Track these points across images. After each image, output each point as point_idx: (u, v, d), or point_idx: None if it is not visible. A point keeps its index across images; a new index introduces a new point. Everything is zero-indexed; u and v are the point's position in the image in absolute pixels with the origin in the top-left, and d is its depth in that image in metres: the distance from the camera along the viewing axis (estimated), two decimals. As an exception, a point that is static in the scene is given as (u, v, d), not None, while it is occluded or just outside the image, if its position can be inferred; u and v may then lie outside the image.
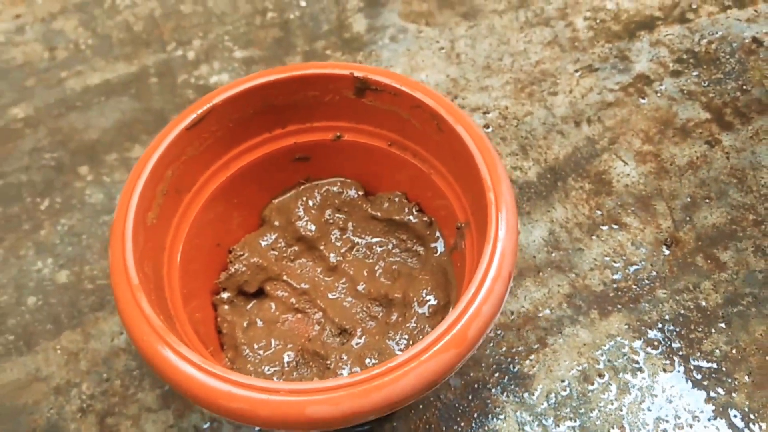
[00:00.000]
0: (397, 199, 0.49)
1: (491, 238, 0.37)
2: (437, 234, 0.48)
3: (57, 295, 0.55)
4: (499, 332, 0.51)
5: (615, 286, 0.53)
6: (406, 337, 0.44)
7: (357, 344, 0.44)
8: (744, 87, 0.62)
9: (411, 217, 0.48)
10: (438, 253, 0.47)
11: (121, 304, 0.36)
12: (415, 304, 0.45)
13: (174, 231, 0.43)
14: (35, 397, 0.51)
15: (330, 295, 0.47)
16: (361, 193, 0.49)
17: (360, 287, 0.47)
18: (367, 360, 0.43)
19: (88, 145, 0.62)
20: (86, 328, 0.53)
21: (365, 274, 0.47)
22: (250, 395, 0.33)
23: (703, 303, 0.52)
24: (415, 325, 0.44)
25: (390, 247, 0.49)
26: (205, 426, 0.49)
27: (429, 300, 0.45)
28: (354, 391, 0.33)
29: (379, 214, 0.49)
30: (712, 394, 0.48)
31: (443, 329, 0.34)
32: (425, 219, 0.48)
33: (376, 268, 0.48)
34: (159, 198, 0.41)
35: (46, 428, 0.50)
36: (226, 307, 0.46)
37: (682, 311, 0.52)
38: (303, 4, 0.70)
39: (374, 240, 0.49)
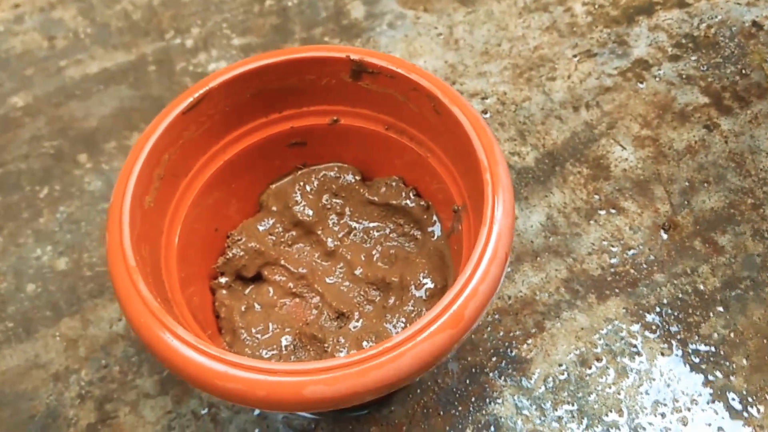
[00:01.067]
0: (394, 184, 0.49)
1: (488, 219, 0.37)
2: (434, 218, 0.48)
3: (56, 282, 0.55)
4: (496, 317, 0.51)
5: (613, 270, 0.53)
6: (404, 320, 0.44)
7: (354, 327, 0.44)
8: (743, 71, 0.61)
9: (408, 202, 0.48)
10: (435, 237, 0.47)
11: (118, 286, 0.36)
12: (412, 287, 0.45)
13: (171, 215, 0.43)
14: (35, 384, 0.51)
15: (327, 280, 0.47)
16: (358, 177, 0.49)
17: (357, 271, 0.47)
18: (365, 343, 0.43)
19: (87, 133, 0.62)
20: (85, 314, 0.54)
21: (362, 258, 0.47)
22: (247, 376, 0.33)
23: (701, 287, 0.52)
24: (412, 308, 0.44)
25: (387, 231, 0.49)
26: (203, 411, 0.49)
27: (426, 283, 0.45)
28: (351, 371, 0.33)
29: (376, 198, 0.49)
30: (710, 378, 0.48)
31: (439, 310, 0.34)
32: (422, 203, 0.48)
33: (373, 253, 0.48)
34: (156, 182, 0.41)
35: (46, 414, 0.50)
36: (224, 291, 0.47)
37: (680, 295, 0.52)
38: (301, -9, 0.70)
39: (371, 224, 0.49)
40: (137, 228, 0.38)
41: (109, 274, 0.37)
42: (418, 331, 0.34)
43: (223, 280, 0.47)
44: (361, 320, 0.45)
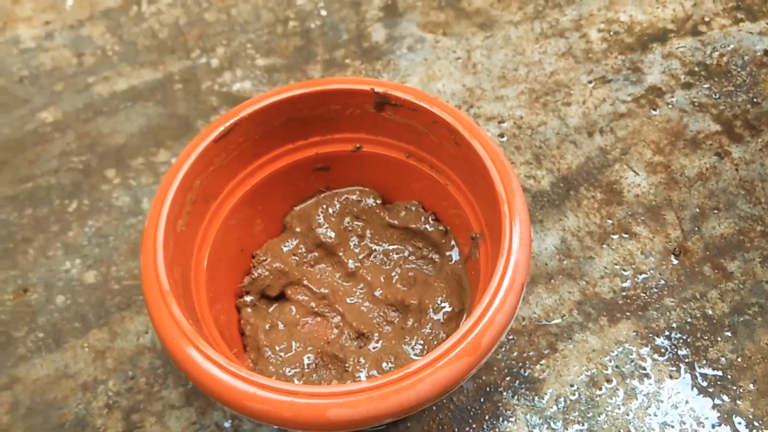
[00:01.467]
0: (413, 208, 0.50)
1: (505, 250, 0.38)
2: (452, 243, 0.49)
3: (85, 295, 0.57)
4: (511, 338, 0.53)
5: (624, 293, 0.54)
6: (422, 342, 0.45)
7: (374, 348, 0.46)
8: (755, 99, 0.63)
9: (427, 226, 0.50)
10: (453, 261, 0.49)
11: (152, 309, 0.38)
12: (431, 310, 0.46)
13: (201, 237, 0.45)
14: (64, 393, 0.53)
15: (348, 300, 0.49)
16: (379, 201, 0.51)
17: (377, 293, 0.49)
18: (384, 364, 0.45)
19: (115, 149, 0.64)
20: (113, 326, 0.56)
21: (382, 280, 0.49)
22: (273, 397, 0.35)
23: (710, 312, 0.53)
24: (430, 330, 0.46)
25: (406, 254, 0.50)
26: (226, 424, 0.51)
27: (444, 307, 0.47)
28: (372, 395, 0.35)
29: (396, 222, 0.50)
30: (717, 401, 0.50)
31: (458, 337, 0.36)
32: (441, 228, 0.50)
33: (392, 275, 0.50)
34: (188, 206, 0.43)
35: (74, 423, 0.52)
36: (249, 310, 0.48)
37: (689, 319, 0.53)
38: (324, 13, 0.72)
39: (391, 247, 0.51)
40: (170, 252, 0.40)
41: (143, 296, 0.39)
42: (437, 357, 0.35)
43: (248, 298, 0.49)
44: (380, 341, 0.47)
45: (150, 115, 0.66)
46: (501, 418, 0.50)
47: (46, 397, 0.53)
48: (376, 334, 0.47)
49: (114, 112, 0.66)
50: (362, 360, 0.45)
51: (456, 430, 0.50)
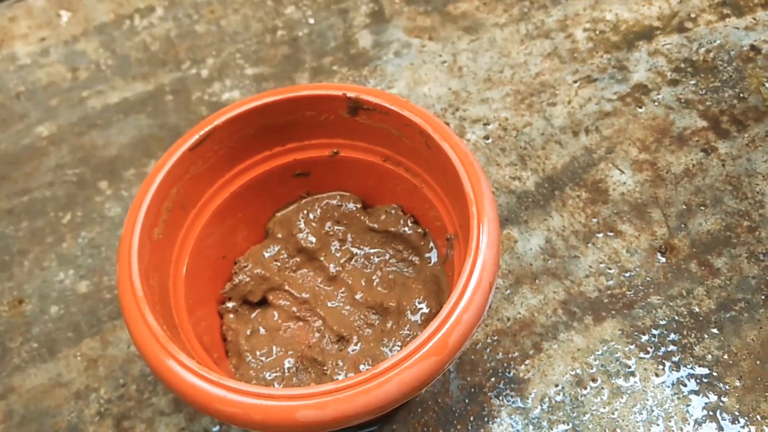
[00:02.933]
0: (393, 212, 0.51)
1: (473, 250, 0.39)
2: (431, 245, 0.50)
3: (77, 305, 0.58)
4: (495, 338, 0.53)
5: (609, 292, 0.54)
6: (399, 343, 0.46)
7: (353, 351, 0.47)
8: (741, 95, 0.63)
9: (406, 229, 0.50)
10: (432, 263, 0.49)
11: (127, 315, 0.39)
12: (408, 312, 0.47)
13: (180, 245, 0.46)
14: (57, 401, 0.54)
15: (329, 304, 0.49)
16: (359, 205, 0.52)
17: (358, 296, 0.49)
18: (362, 366, 0.45)
19: (108, 161, 0.65)
20: (105, 335, 0.56)
21: (363, 283, 0.50)
22: (243, 400, 0.36)
23: (696, 309, 0.53)
24: (408, 332, 0.46)
25: (387, 257, 0.51)
26: (215, 429, 0.52)
27: (422, 308, 0.47)
28: (339, 396, 0.35)
29: (376, 225, 0.51)
30: (703, 398, 0.50)
31: (425, 337, 0.36)
32: (419, 230, 0.50)
33: (373, 278, 0.50)
34: (164, 214, 0.44)
35: (67, 430, 0.53)
36: (230, 315, 0.49)
37: (675, 317, 0.53)
38: (311, 21, 0.72)
39: (372, 251, 0.51)
40: (146, 259, 0.41)
41: (119, 302, 0.40)
42: (404, 358, 0.36)
43: (230, 305, 0.49)
44: (360, 344, 0.47)
45: (142, 127, 0.67)
46: (486, 419, 0.50)
47: (40, 405, 0.54)
48: (356, 337, 0.47)
49: (107, 125, 0.68)
50: (341, 363, 0.45)
51: (441, 431, 0.50)
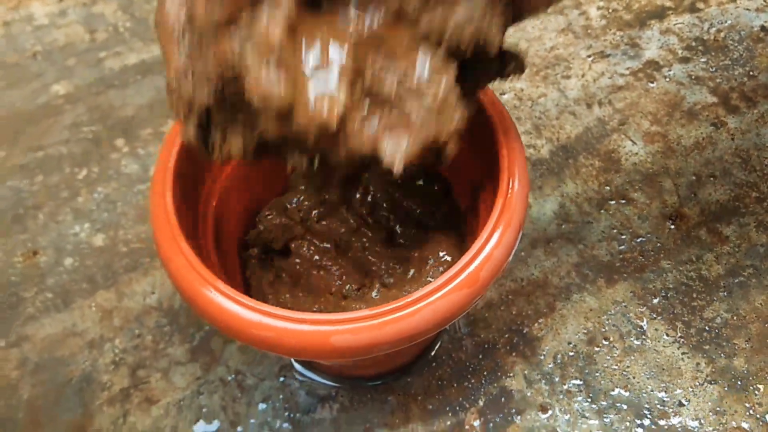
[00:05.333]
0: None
1: (504, 189, 0.39)
2: (454, 195, 0.50)
3: (93, 257, 0.58)
4: (510, 297, 0.54)
5: (621, 256, 0.56)
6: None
7: (375, 296, 0.47)
8: (751, 73, 0.64)
9: (429, 180, 0.51)
10: (454, 213, 0.50)
11: (161, 242, 0.39)
12: (431, 260, 0.47)
13: (209, 187, 0.46)
14: (71, 350, 0.54)
15: (351, 254, 0.50)
16: (382, 158, 0.52)
17: (379, 247, 0.50)
18: None
19: (125, 120, 0.66)
20: (120, 287, 0.57)
21: (384, 234, 0.50)
22: (278, 324, 0.36)
23: (706, 273, 0.54)
24: (431, 279, 0.47)
25: (410, 208, 0.51)
26: (229, 378, 0.52)
27: (444, 257, 0.48)
28: (374, 323, 0.36)
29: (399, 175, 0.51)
30: (713, 357, 0.51)
31: (457, 269, 0.37)
32: (443, 181, 0.51)
33: (396, 228, 0.51)
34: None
35: (81, 378, 0.53)
36: (254, 262, 0.50)
37: (685, 281, 0.54)
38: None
39: (394, 201, 0.52)
40: (178, 194, 0.42)
41: (152, 233, 0.40)
42: (437, 288, 0.36)
43: (253, 251, 0.50)
44: (381, 290, 0.48)
45: (159, 89, 0.68)
46: (500, 374, 0.51)
47: (54, 354, 0.54)
48: (378, 284, 0.48)
49: (124, 86, 0.68)
50: (363, 307, 0.46)
51: (455, 384, 0.51)
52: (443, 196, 0.50)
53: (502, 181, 0.40)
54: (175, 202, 0.40)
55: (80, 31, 0.72)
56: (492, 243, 0.38)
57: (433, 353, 0.53)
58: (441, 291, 0.36)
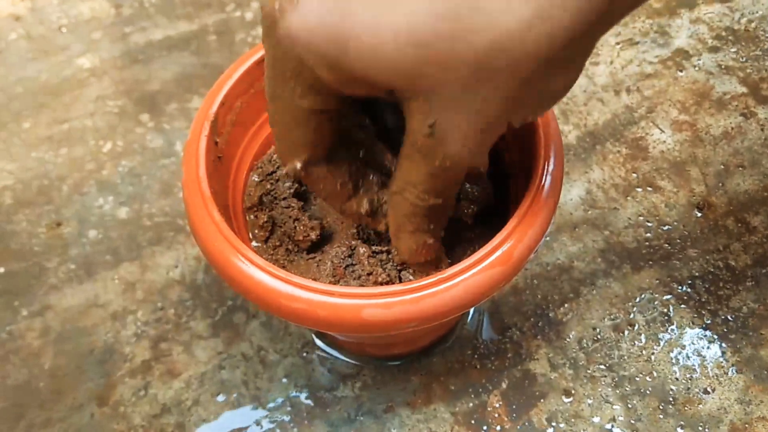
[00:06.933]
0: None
1: (539, 172, 0.39)
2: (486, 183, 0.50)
3: (117, 230, 0.58)
4: (535, 281, 0.54)
5: (647, 243, 0.55)
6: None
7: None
8: (781, 64, 0.64)
9: None
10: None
11: (193, 212, 0.39)
12: None
13: (238, 162, 0.46)
14: (94, 321, 0.54)
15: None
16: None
17: None
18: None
19: (150, 95, 0.66)
20: (144, 260, 0.57)
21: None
22: (310, 296, 0.36)
23: (733, 263, 0.54)
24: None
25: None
26: (252, 353, 0.52)
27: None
28: (406, 298, 0.36)
29: None
30: (739, 347, 0.51)
31: (491, 248, 0.37)
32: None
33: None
34: (228, 127, 0.44)
35: (104, 349, 0.53)
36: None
37: (712, 269, 0.54)
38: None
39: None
40: (210, 166, 0.41)
41: (184, 203, 0.40)
42: (471, 265, 0.36)
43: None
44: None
45: (185, 65, 0.67)
46: (524, 356, 0.51)
47: (76, 324, 0.54)
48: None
49: (150, 60, 0.68)
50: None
51: (478, 366, 0.51)
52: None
53: (538, 161, 0.40)
54: (208, 169, 0.40)
55: (106, 6, 0.72)
56: (526, 222, 0.38)
57: (456, 335, 0.52)
58: (475, 268, 0.36)
